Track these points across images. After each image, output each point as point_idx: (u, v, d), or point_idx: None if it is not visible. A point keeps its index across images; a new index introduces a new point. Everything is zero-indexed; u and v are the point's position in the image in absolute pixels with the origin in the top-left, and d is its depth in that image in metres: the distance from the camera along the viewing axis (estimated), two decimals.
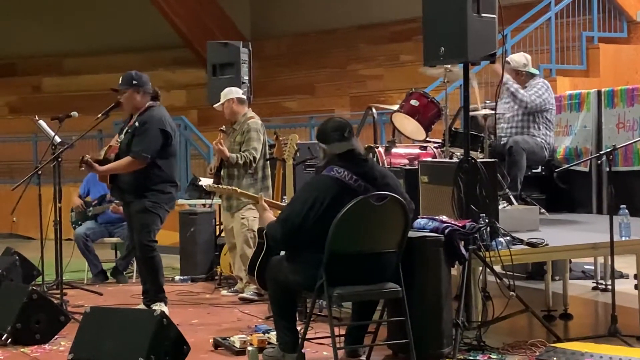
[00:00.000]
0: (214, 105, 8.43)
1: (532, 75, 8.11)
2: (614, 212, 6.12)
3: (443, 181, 6.35)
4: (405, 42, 15.52)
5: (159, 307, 6.96)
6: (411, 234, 5.57)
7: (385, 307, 5.79)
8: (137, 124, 7.26)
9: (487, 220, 5.85)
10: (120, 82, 7.34)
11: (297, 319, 5.78)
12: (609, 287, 6.39)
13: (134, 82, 7.27)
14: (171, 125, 7.37)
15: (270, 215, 6.01)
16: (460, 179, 6.04)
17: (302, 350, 5.54)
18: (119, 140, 7.37)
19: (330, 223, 5.21)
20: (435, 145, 7.77)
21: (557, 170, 7.96)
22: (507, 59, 8.11)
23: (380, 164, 7.54)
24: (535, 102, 7.83)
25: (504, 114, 7.98)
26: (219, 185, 7.05)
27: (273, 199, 7.82)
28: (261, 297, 7.77)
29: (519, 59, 8.15)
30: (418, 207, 6.61)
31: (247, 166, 8.02)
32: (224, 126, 8.28)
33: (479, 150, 7.27)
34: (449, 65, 7.11)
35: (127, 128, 7.36)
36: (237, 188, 7.11)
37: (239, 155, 8.00)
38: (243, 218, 8.06)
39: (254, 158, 8.01)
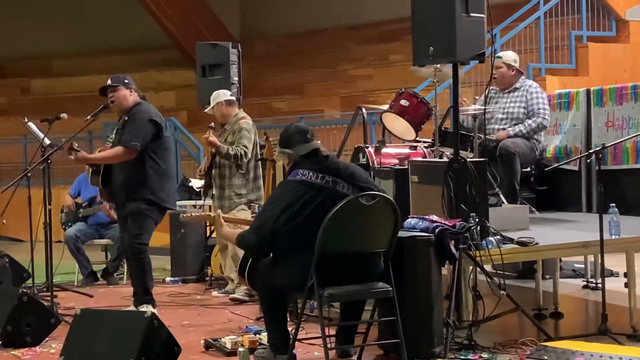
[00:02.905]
0: (205, 110, 8.44)
1: (520, 74, 8.14)
2: (603, 211, 6.13)
3: (433, 181, 6.34)
4: (395, 42, 15.53)
5: (145, 309, 6.95)
6: (401, 233, 5.57)
7: (375, 307, 5.79)
8: (126, 118, 7.37)
9: (477, 220, 5.86)
10: (111, 81, 7.45)
11: (288, 319, 5.78)
12: (599, 285, 6.39)
13: (125, 80, 7.43)
14: (160, 117, 7.46)
15: (229, 229, 6.02)
16: (450, 178, 6.03)
17: (293, 351, 5.54)
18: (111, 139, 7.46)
19: (309, 224, 5.26)
20: (425, 144, 7.77)
21: (546, 169, 7.97)
22: (499, 54, 8.17)
23: (370, 164, 7.55)
24: (548, 116, 7.89)
25: (493, 114, 7.99)
26: (192, 214, 7.07)
27: (264, 199, 7.84)
28: (252, 297, 7.76)
29: (510, 54, 8.26)
30: (408, 207, 6.61)
31: (238, 161, 7.98)
32: (212, 123, 8.27)
33: (469, 149, 7.28)
34: (439, 65, 7.12)
35: (117, 127, 7.44)
36: (211, 213, 7.01)
37: (230, 147, 7.99)
38: None
39: (245, 153, 7.99)
